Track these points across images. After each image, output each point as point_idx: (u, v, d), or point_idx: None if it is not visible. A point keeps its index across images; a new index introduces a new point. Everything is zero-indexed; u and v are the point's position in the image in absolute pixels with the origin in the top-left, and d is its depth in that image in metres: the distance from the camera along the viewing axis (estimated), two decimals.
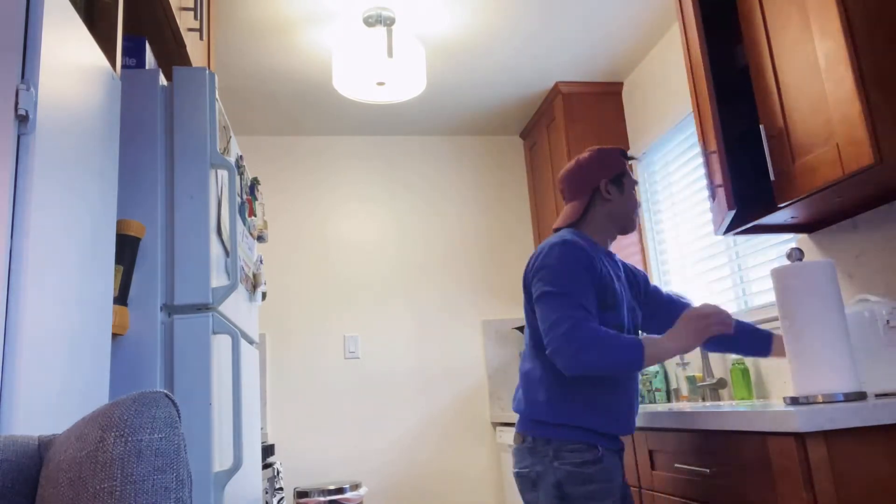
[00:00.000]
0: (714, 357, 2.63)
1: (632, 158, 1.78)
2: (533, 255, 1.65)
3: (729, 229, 2.00)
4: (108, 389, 1.38)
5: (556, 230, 1.73)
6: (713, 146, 1.85)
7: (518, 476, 1.60)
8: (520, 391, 1.66)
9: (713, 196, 2.03)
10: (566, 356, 1.46)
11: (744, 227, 1.95)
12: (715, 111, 1.87)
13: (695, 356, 2.78)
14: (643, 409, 2.08)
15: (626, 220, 1.70)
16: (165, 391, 0.75)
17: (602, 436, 1.55)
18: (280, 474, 2.78)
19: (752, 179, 1.96)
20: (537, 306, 1.55)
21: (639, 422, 1.90)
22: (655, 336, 1.53)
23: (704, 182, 2.68)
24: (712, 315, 1.54)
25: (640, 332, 1.77)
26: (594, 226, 1.70)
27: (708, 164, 2.05)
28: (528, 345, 1.67)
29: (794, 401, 1.54)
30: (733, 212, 1.80)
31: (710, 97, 1.87)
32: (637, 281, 1.78)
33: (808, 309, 1.53)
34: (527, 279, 1.64)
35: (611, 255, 1.71)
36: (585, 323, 1.47)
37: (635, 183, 1.73)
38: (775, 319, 2.26)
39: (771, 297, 2.37)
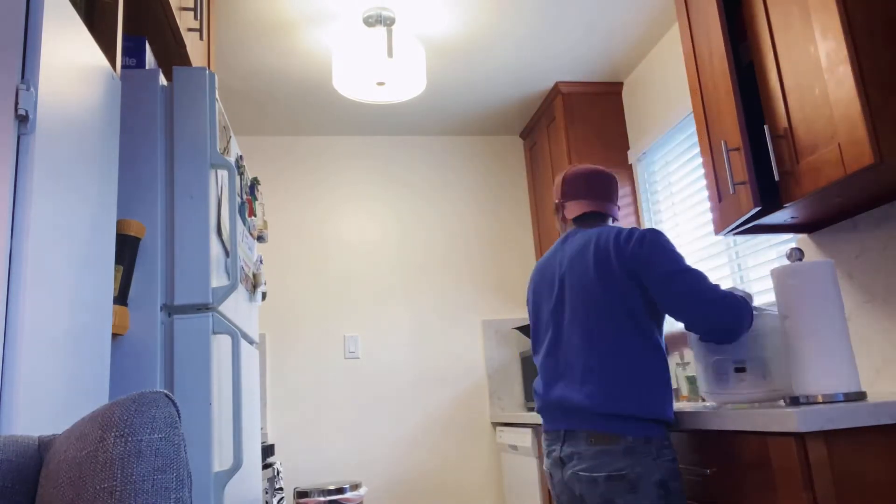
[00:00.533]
0: None
1: None
2: (619, 239, 1.64)
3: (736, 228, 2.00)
4: (108, 389, 1.38)
5: (591, 215, 1.82)
6: (736, 142, 1.85)
7: (609, 479, 1.51)
8: (593, 385, 1.57)
9: (719, 196, 2.03)
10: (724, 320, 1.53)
11: (744, 227, 1.95)
12: (739, 106, 1.85)
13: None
14: None
15: None
16: (165, 391, 0.75)
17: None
18: (280, 474, 2.78)
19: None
20: (669, 284, 1.55)
21: None
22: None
23: (704, 182, 2.68)
24: None
25: None
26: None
27: (720, 162, 2.05)
28: (607, 336, 1.59)
29: (795, 401, 1.54)
30: (757, 209, 1.77)
31: (733, 92, 1.85)
32: None
33: (809, 309, 1.53)
34: (625, 263, 1.60)
35: None
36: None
37: None
38: None
39: (771, 296, 2.37)
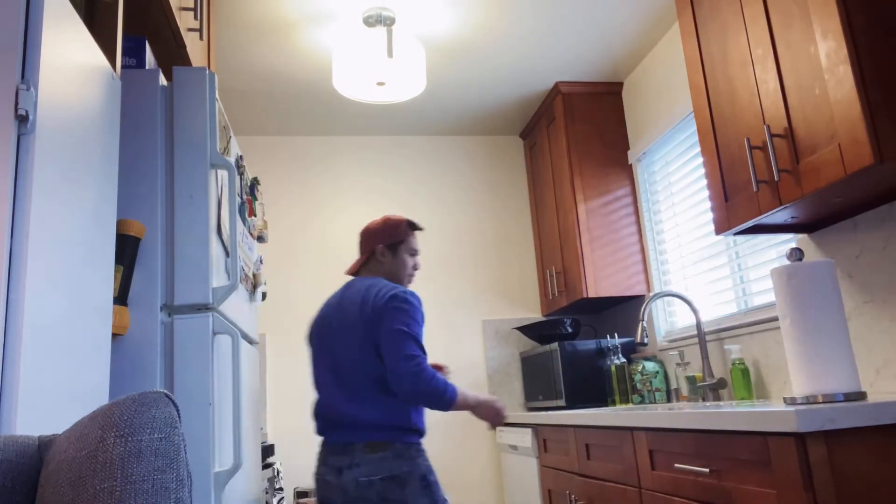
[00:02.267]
0: (714, 357, 2.64)
1: (417, 229, 2.15)
2: (362, 293, 1.98)
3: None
4: (108, 389, 1.38)
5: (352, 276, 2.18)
6: (761, 139, 1.84)
7: (383, 481, 1.82)
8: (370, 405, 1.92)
9: (725, 195, 2.03)
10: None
11: (744, 227, 1.95)
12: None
13: (695, 357, 2.78)
14: (643, 408, 2.08)
15: (398, 282, 2.11)
16: (165, 391, 0.75)
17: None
18: (280, 474, 2.78)
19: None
20: (389, 339, 1.88)
21: (639, 422, 1.90)
22: (466, 392, 1.95)
23: (704, 182, 2.68)
24: (500, 410, 2.01)
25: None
26: (379, 275, 2.11)
27: (728, 162, 2.05)
28: (362, 364, 1.94)
29: (795, 401, 1.54)
30: (782, 207, 1.78)
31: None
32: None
33: (808, 309, 1.53)
34: (365, 314, 1.93)
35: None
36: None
37: (416, 251, 2.14)
38: (775, 319, 2.27)
39: (771, 296, 2.37)
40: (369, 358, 1.91)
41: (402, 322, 1.88)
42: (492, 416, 2.00)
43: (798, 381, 1.54)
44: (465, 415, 3.58)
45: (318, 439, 3.45)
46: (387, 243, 2.09)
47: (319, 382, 2.01)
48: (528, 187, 3.94)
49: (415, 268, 2.14)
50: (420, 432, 1.94)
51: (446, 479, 3.49)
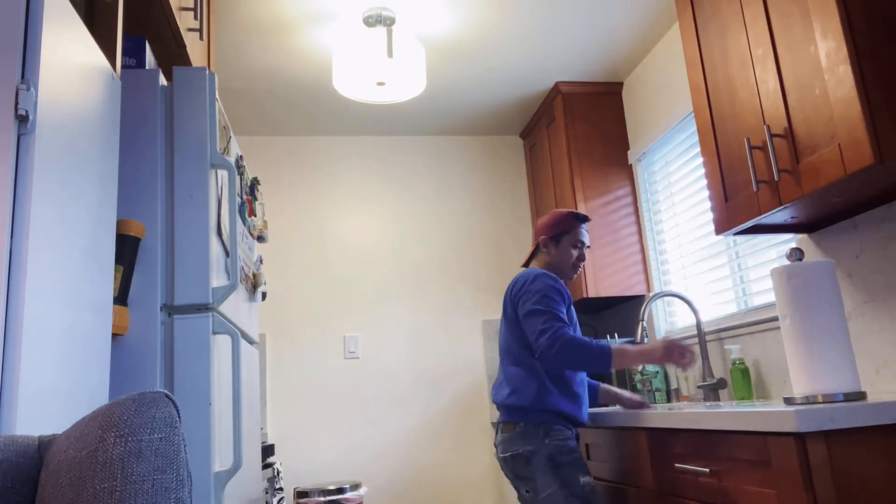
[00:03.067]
0: (714, 357, 2.64)
1: (583, 220, 2.20)
2: (512, 283, 2.12)
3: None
4: (108, 389, 1.38)
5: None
6: (761, 139, 1.84)
7: (513, 458, 1.96)
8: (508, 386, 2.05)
9: (725, 195, 2.03)
10: (549, 357, 1.92)
11: (744, 227, 1.95)
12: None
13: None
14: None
15: (561, 272, 2.18)
16: (165, 391, 0.75)
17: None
18: (280, 474, 2.78)
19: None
20: (525, 322, 2.01)
21: (639, 422, 1.90)
22: (626, 345, 1.97)
23: (704, 182, 2.68)
24: (679, 346, 1.94)
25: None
26: (546, 265, 2.19)
27: (728, 162, 2.05)
28: (513, 350, 2.07)
29: (794, 401, 1.54)
30: (783, 207, 1.78)
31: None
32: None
33: (808, 309, 1.53)
34: (512, 302, 2.08)
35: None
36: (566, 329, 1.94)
37: (581, 243, 2.18)
38: (775, 319, 2.26)
39: (771, 296, 2.37)
40: (510, 342, 2.08)
41: (534, 302, 1.98)
42: (675, 356, 1.94)
43: (798, 381, 1.54)
44: (464, 414, 3.59)
45: (319, 439, 3.45)
46: (550, 235, 2.17)
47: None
48: (528, 187, 3.94)
49: (579, 259, 2.18)
50: (556, 413, 1.97)
51: (446, 479, 3.49)
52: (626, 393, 2.20)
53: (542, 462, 1.91)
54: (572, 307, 2.11)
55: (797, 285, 1.56)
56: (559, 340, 1.89)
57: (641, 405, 2.11)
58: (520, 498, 1.99)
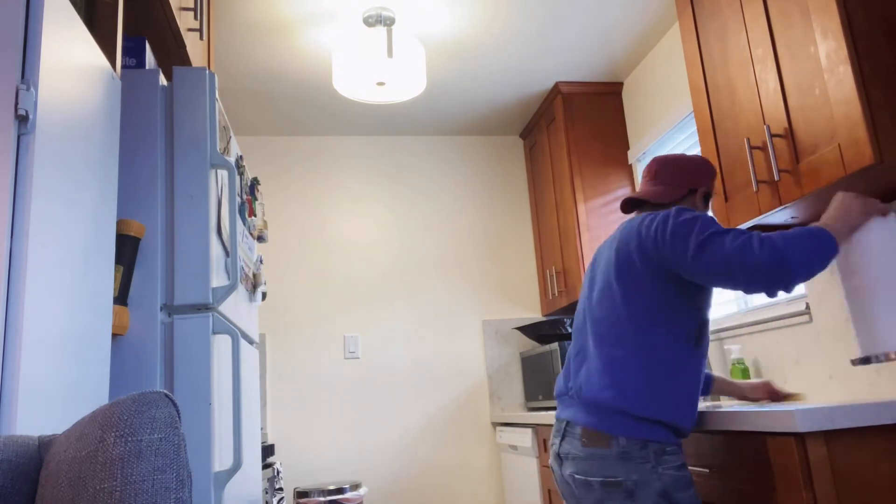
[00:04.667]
0: (714, 357, 2.64)
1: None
2: (643, 224, 1.49)
3: None
4: (108, 389, 1.38)
5: (641, 202, 1.67)
6: (761, 139, 1.84)
7: (604, 485, 1.38)
8: (602, 377, 1.44)
9: (725, 196, 2.03)
10: (776, 269, 1.31)
11: (744, 227, 1.95)
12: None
13: None
14: None
15: None
16: (165, 391, 0.75)
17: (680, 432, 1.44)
18: (280, 474, 2.78)
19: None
20: (703, 252, 1.37)
21: None
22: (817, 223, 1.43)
23: None
24: (871, 199, 1.49)
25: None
26: None
27: (729, 162, 2.06)
28: (617, 328, 1.47)
29: (865, 360, 1.48)
30: (783, 206, 1.75)
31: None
32: None
33: (877, 265, 1.47)
34: (646, 247, 1.46)
35: None
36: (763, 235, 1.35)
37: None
38: (775, 319, 2.27)
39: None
40: (621, 312, 1.50)
41: (710, 222, 1.43)
42: (867, 208, 1.49)
43: (866, 339, 1.46)
44: (464, 414, 3.59)
45: (319, 439, 3.45)
46: (708, 189, 1.66)
47: None
48: (528, 187, 3.94)
49: None
50: (664, 426, 1.43)
51: (446, 480, 3.49)
52: (747, 382, 1.82)
53: (652, 498, 1.36)
54: None
55: (864, 241, 1.44)
56: (755, 238, 1.35)
57: (776, 395, 1.72)
58: None
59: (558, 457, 1.50)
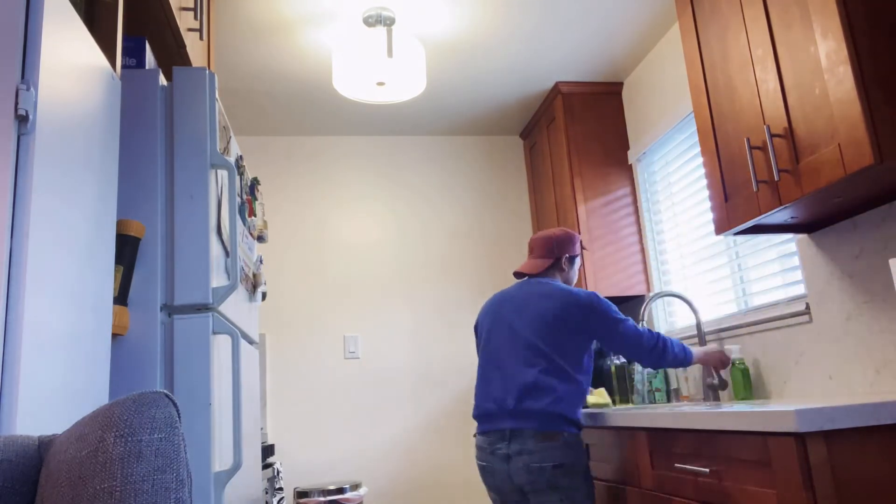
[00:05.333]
0: None
1: (584, 249, 2.42)
2: (556, 299, 2.13)
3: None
4: (108, 389, 1.38)
5: (529, 276, 2.31)
6: (761, 139, 1.84)
7: (554, 468, 1.94)
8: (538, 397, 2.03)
9: (725, 195, 2.03)
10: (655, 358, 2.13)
11: (744, 227, 1.95)
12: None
13: None
14: (643, 409, 2.08)
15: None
16: (165, 391, 0.75)
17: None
18: (280, 474, 2.78)
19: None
20: (615, 332, 2.10)
21: (639, 422, 1.90)
22: (696, 347, 2.27)
23: (704, 182, 2.68)
24: (727, 359, 2.31)
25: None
26: (559, 280, 2.29)
27: (728, 162, 2.05)
28: (551, 358, 2.06)
29: None
30: (783, 207, 1.79)
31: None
32: None
33: None
34: (568, 319, 2.09)
35: None
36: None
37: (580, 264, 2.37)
38: (775, 319, 2.27)
39: (771, 297, 2.37)
40: (551, 349, 2.09)
41: (614, 312, 2.13)
42: (721, 363, 2.29)
43: None
44: (464, 414, 3.59)
45: (319, 439, 3.45)
46: (571, 254, 2.30)
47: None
48: (528, 187, 3.94)
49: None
50: (581, 425, 2.07)
51: (446, 479, 3.49)
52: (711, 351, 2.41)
53: (581, 472, 1.97)
54: None
55: None
56: (661, 339, 2.12)
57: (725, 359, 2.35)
58: None
59: (507, 457, 1.99)
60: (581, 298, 2.12)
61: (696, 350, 2.26)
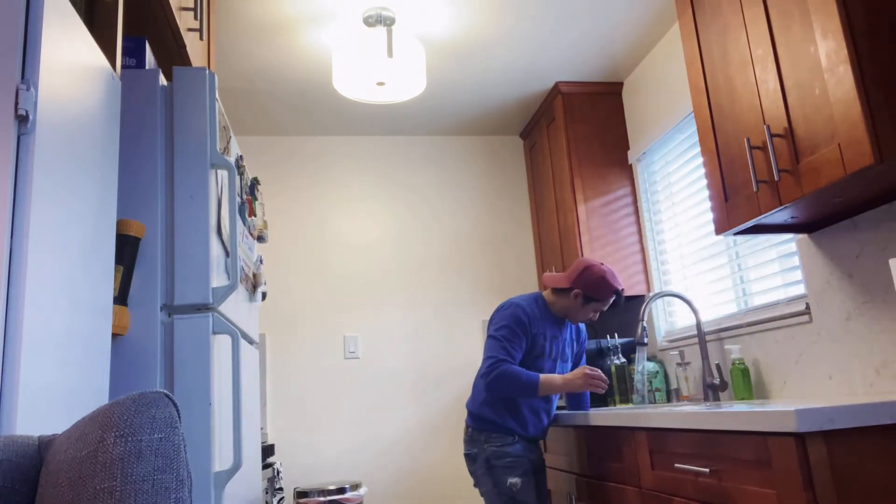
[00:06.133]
0: (714, 357, 2.64)
1: (619, 300, 2.32)
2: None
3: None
4: (108, 389, 1.38)
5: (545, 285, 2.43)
6: (761, 139, 1.84)
7: (466, 457, 2.29)
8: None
9: (725, 195, 2.03)
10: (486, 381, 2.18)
11: (744, 227, 1.95)
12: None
13: (695, 357, 2.78)
14: (644, 408, 2.08)
15: (569, 319, 2.37)
16: (165, 391, 0.75)
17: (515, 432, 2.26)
18: (280, 474, 2.78)
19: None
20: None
21: (639, 422, 1.90)
22: (554, 375, 2.22)
23: (704, 182, 2.68)
24: (595, 375, 2.20)
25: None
26: (560, 303, 2.34)
27: (728, 162, 2.05)
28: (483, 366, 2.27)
29: None
30: (783, 207, 1.80)
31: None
32: (579, 341, 2.48)
33: None
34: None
35: (560, 322, 2.37)
36: (506, 363, 2.18)
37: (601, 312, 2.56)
38: (774, 319, 2.27)
39: (771, 297, 2.37)
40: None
41: (496, 329, 2.25)
42: (594, 384, 2.20)
43: None
44: (464, 414, 3.59)
45: (319, 439, 3.46)
46: (586, 294, 2.29)
47: None
48: (528, 187, 3.94)
49: (589, 320, 2.37)
50: (497, 424, 2.23)
51: (446, 479, 3.49)
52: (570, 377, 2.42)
53: (482, 463, 2.22)
54: (556, 339, 2.33)
55: None
56: (496, 370, 2.16)
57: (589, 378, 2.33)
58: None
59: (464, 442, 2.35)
60: (502, 304, 2.35)
61: (556, 378, 2.20)
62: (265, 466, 2.58)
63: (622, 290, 2.31)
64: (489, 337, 2.27)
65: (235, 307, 1.95)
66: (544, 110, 3.60)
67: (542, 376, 2.19)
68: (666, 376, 2.95)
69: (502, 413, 2.25)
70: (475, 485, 2.28)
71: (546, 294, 2.38)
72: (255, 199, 2.30)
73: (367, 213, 3.77)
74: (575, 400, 2.45)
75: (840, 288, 2.00)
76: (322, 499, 2.87)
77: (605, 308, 2.32)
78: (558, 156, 3.44)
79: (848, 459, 1.29)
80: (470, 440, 2.27)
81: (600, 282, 2.27)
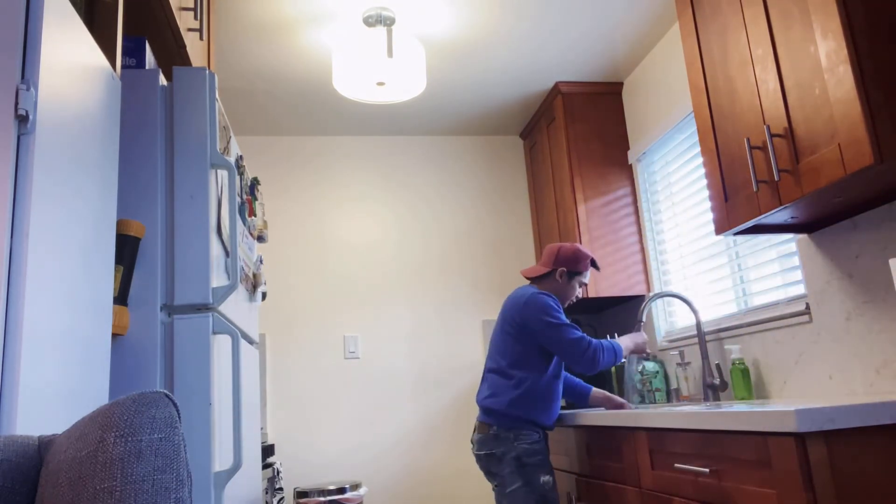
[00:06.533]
0: (714, 357, 2.63)
1: (597, 268, 2.46)
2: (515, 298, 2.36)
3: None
4: (108, 389, 1.38)
5: (526, 278, 2.53)
6: (761, 139, 1.84)
7: (486, 457, 2.25)
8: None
9: (725, 195, 2.02)
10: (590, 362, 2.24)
11: (744, 227, 1.95)
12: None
13: (695, 357, 2.78)
14: (644, 409, 2.08)
15: (562, 301, 2.43)
16: (165, 391, 0.75)
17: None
18: (280, 474, 2.78)
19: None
20: (551, 335, 2.24)
21: (639, 422, 1.91)
22: (622, 338, 2.39)
23: (704, 182, 2.68)
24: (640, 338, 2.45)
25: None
26: (548, 288, 2.42)
27: (728, 162, 2.05)
28: (500, 360, 2.33)
29: None
30: (783, 207, 1.81)
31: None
32: None
33: None
34: (514, 318, 2.31)
35: None
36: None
37: (585, 284, 2.46)
38: (774, 319, 2.27)
39: (771, 297, 2.37)
40: (501, 351, 2.32)
41: (552, 317, 2.25)
42: (640, 348, 2.43)
43: None
44: (464, 414, 3.59)
45: (319, 439, 3.45)
46: (569, 269, 2.40)
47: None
48: (528, 187, 3.94)
49: (577, 297, 2.46)
50: (526, 420, 2.23)
51: (446, 479, 3.49)
52: (615, 397, 2.48)
53: (510, 462, 2.18)
54: None
55: None
56: (596, 348, 2.22)
57: (623, 406, 2.42)
58: (493, 490, 2.29)
59: (473, 443, 2.34)
60: (525, 299, 2.29)
61: (623, 342, 2.37)
62: (265, 466, 2.59)
63: (593, 257, 2.48)
64: (552, 326, 2.23)
65: (235, 307, 1.95)
66: (544, 110, 3.60)
67: (615, 341, 2.32)
68: (666, 376, 2.95)
69: (535, 409, 2.23)
70: (496, 486, 2.23)
71: (535, 286, 2.43)
72: (255, 199, 2.30)
73: (367, 213, 3.77)
74: (577, 396, 2.53)
75: (840, 288, 2.00)
76: (322, 499, 2.87)
77: (587, 280, 2.43)
78: (558, 156, 3.44)
79: (848, 459, 1.29)
80: (494, 439, 2.23)
81: (577, 253, 2.40)
